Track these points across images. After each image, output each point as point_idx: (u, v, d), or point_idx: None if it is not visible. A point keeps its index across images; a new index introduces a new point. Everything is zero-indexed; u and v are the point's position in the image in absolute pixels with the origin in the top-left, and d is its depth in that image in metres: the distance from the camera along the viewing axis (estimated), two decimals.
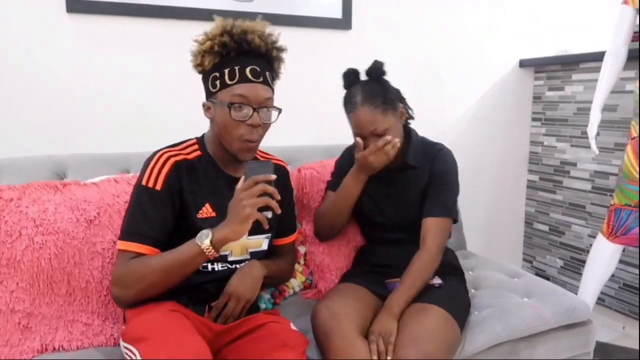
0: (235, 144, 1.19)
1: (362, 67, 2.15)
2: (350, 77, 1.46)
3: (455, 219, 1.49)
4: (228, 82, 1.16)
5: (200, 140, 1.28)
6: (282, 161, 1.42)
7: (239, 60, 1.16)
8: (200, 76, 1.23)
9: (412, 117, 1.53)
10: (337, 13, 2.10)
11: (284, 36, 2.00)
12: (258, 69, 1.17)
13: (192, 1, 1.85)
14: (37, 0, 1.66)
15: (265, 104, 1.18)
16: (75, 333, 1.27)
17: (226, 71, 1.16)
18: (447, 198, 1.47)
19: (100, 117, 1.79)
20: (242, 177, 1.10)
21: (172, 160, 1.20)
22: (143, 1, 1.79)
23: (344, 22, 2.12)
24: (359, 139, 1.41)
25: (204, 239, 1.08)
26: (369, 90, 1.40)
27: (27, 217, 1.28)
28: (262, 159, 1.35)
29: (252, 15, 1.89)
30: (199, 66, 1.19)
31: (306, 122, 2.09)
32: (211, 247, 1.08)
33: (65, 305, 1.28)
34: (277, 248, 1.38)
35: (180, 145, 1.26)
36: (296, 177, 1.69)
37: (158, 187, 1.16)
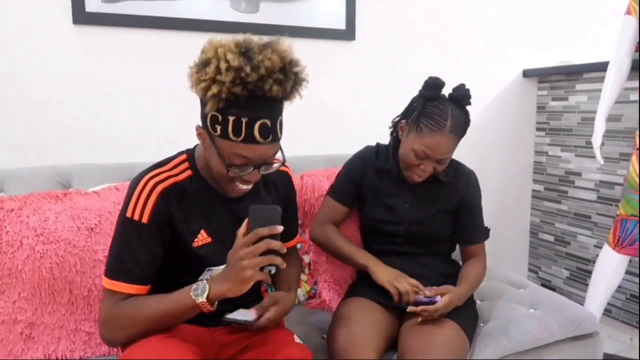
0: (226, 187, 1.10)
1: (365, 78, 2.18)
2: (437, 89, 1.37)
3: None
4: (231, 137, 0.97)
5: (190, 157, 1.15)
6: (285, 167, 1.29)
7: (248, 107, 0.96)
8: None
9: None
10: (340, 24, 2.11)
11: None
12: (269, 123, 0.98)
13: (197, 13, 1.87)
14: (43, 12, 1.68)
15: (268, 161, 1.05)
16: (78, 342, 1.27)
17: (230, 120, 0.96)
18: (482, 222, 1.53)
19: (105, 127, 1.80)
20: (246, 221, 1.00)
21: (160, 188, 1.07)
22: (148, 13, 1.80)
23: (347, 33, 2.13)
24: (413, 157, 1.35)
25: (200, 295, 0.99)
26: (458, 119, 1.33)
27: (28, 226, 1.28)
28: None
29: (257, 28, 1.95)
30: (196, 94, 1.01)
31: (309, 132, 2.10)
32: (207, 303, 0.99)
33: (67, 315, 1.28)
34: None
35: (169, 164, 1.13)
36: (298, 184, 1.68)
37: (145, 220, 1.05)
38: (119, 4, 1.76)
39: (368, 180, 1.51)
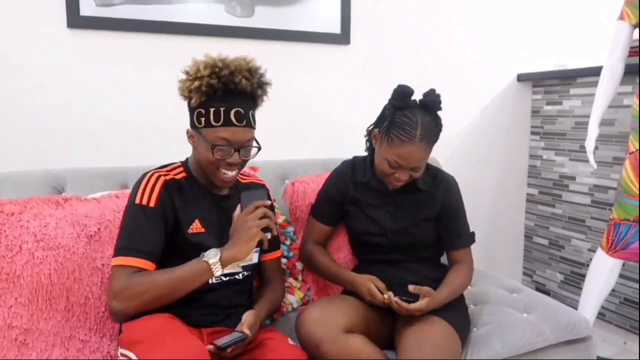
0: (214, 177, 1.26)
1: (360, 82, 2.19)
2: (406, 98, 1.37)
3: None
4: (213, 123, 1.19)
5: (184, 164, 1.34)
6: (261, 181, 1.50)
7: (225, 100, 1.19)
8: None
9: None
10: (335, 28, 2.12)
11: (282, 51, 2.05)
12: (242, 111, 1.21)
13: (192, 17, 1.87)
14: (37, 16, 1.68)
15: (246, 145, 1.24)
16: (72, 350, 1.27)
17: (212, 111, 1.19)
18: (466, 227, 1.54)
19: (99, 131, 1.80)
20: (239, 206, 1.21)
21: (163, 179, 1.25)
22: (143, 17, 1.80)
23: (342, 37, 2.13)
24: (387, 166, 1.37)
25: (212, 257, 1.14)
26: (428, 127, 1.34)
27: (27, 231, 1.28)
28: (242, 180, 1.42)
29: (252, 32, 1.95)
30: (186, 99, 1.22)
31: (304, 136, 2.11)
32: (219, 265, 1.14)
33: (63, 322, 1.28)
34: (265, 265, 1.41)
35: (167, 167, 1.31)
36: (290, 190, 1.70)
37: (152, 204, 1.21)
38: (114, 7, 1.76)
39: (349, 196, 1.53)
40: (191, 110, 1.24)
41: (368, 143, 1.52)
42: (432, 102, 1.37)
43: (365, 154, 1.57)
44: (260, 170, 1.65)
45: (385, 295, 1.33)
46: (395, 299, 1.31)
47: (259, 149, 1.28)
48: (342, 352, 1.20)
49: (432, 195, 1.50)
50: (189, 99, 1.21)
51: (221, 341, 1.12)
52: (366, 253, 1.57)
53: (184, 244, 1.23)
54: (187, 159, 1.35)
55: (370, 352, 1.25)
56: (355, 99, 2.19)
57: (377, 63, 2.22)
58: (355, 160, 1.58)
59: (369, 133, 1.50)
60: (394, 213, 1.49)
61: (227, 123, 1.19)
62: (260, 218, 1.16)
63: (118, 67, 1.81)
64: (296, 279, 1.61)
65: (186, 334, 1.08)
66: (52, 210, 1.33)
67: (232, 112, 1.19)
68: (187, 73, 1.22)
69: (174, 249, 1.23)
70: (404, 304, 1.30)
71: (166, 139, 1.75)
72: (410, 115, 1.34)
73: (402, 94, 1.37)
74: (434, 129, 1.36)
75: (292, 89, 2.08)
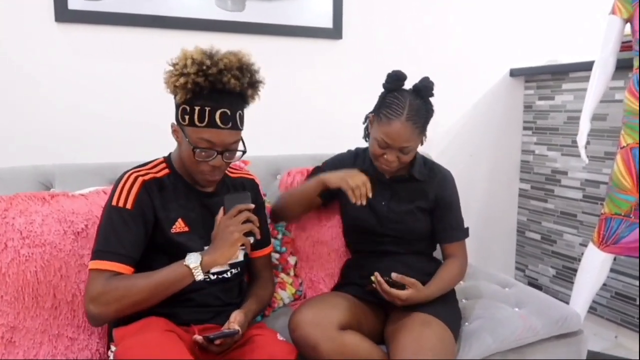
0: (197, 176, 1.23)
1: (352, 77, 2.18)
2: (399, 81, 1.42)
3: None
4: (197, 123, 1.14)
5: (167, 159, 1.30)
6: (251, 175, 1.45)
7: (211, 99, 1.14)
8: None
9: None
10: (328, 23, 2.11)
11: (274, 45, 2.03)
12: (229, 112, 1.15)
13: (183, 11, 1.85)
14: (24, 9, 1.66)
15: (230, 147, 1.19)
16: (60, 348, 1.25)
17: (196, 109, 1.13)
18: (461, 221, 1.54)
19: (88, 127, 1.78)
20: (222, 209, 1.19)
21: (141, 179, 1.21)
22: (134, 11, 1.78)
23: (334, 32, 2.12)
24: (377, 147, 1.40)
25: (193, 262, 1.12)
26: (416, 107, 1.37)
27: (13, 228, 1.26)
28: (231, 174, 1.39)
29: (243, 26, 1.93)
30: (172, 93, 1.18)
31: (295, 131, 2.09)
32: (200, 270, 1.12)
33: (50, 319, 1.27)
34: (255, 262, 1.40)
35: (149, 165, 1.27)
36: (285, 181, 1.70)
37: (129, 206, 1.17)
38: (103, 1, 1.74)
39: None
40: (176, 105, 1.19)
41: (365, 130, 1.53)
42: (424, 87, 1.41)
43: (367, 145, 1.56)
44: (250, 165, 1.63)
45: (372, 278, 1.33)
46: (379, 277, 1.31)
47: (244, 152, 1.23)
48: (339, 350, 1.20)
49: (427, 185, 1.51)
50: (174, 94, 1.17)
51: (211, 335, 1.11)
52: (360, 242, 1.58)
53: (168, 244, 1.21)
54: (169, 154, 1.31)
55: (367, 347, 1.25)
56: (347, 93, 2.17)
57: (369, 58, 2.21)
58: (358, 149, 1.62)
59: (366, 118, 1.52)
60: (389, 200, 1.51)
61: (212, 124, 1.14)
62: (244, 222, 1.15)
63: (107, 62, 1.79)
64: (288, 274, 1.60)
65: (184, 355, 1.04)
66: (38, 206, 1.31)
67: (218, 113, 1.13)
68: (174, 66, 1.16)
69: (158, 249, 1.21)
70: (385, 285, 1.30)
71: (156, 134, 1.72)
72: (399, 96, 1.38)
73: (394, 77, 1.41)
74: (422, 112, 1.39)
75: (283, 83, 2.07)
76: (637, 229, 1.81)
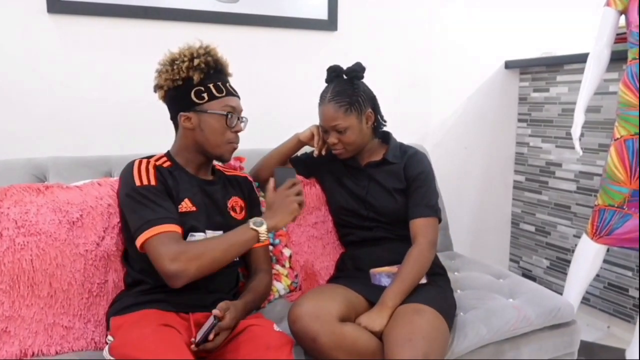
0: (223, 147, 1.33)
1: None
2: (332, 73, 1.54)
3: (440, 219, 1.53)
4: (217, 94, 1.29)
5: (167, 154, 1.38)
6: (244, 174, 1.55)
7: (218, 76, 1.32)
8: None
9: (383, 123, 1.59)
10: (322, 14, 2.10)
11: (269, 37, 2.02)
12: (230, 84, 1.35)
13: (176, 2, 1.84)
14: (16, 1, 1.64)
15: (241, 115, 1.36)
16: (55, 337, 1.25)
17: (211, 85, 1.29)
18: (429, 199, 1.52)
19: (80, 119, 1.78)
20: (271, 180, 1.29)
21: (153, 163, 1.30)
22: (126, 2, 1.77)
23: (329, 24, 2.12)
24: (323, 133, 1.55)
25: (260, 226, 1.20)
26: (339, 89, 1.49)
27: (8, 218, 1.26)
28: (226, 172, 1.47)
29: (237, 18, 1.92)
30: (181, 81, 1.28)
31: (290, 124, 2.08)
32: (266, 233, 1.21)
33: (46, 308, 1.27)
34: (253, 253, 1.41)
35: (151, 158, 1.33)
36: None
37: (153, 182, 1.24)
38: None
39: (325, 165, 1.67)
40: (186, 91, 1.28)
41: None
42: (350, 70, 1.52)
43: None
44: (246, 161, 1.64)
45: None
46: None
47: (247, 121, 1.38)
48: (339, 342, 1.20)
49: (399, 166, 1.57)
50: (186, 79, 1.27)
51: (197, 337, 1.12)
52: (350, 228, 1.62)
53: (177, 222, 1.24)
54: (168, 151, 1.38)
55: (366, 339, 1.26)
56: None
57: (364, 50, 2.20)
58: None
59: None
60: (368, 184, 1.58)
61: (229, 93, 1.32)
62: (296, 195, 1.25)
63: (100, 54, 1.78)
64: (283, 266, 1.60)
65: (180, 349, 1.05)
66: (32, 197, 1.31)
67: (228, 84, 1.34)
68: (173, 63, 1.27)
69: None
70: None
71: (150, 127, 1.73)
72: (329, 86, 1.53)
73: (329, 70, 1.55)
74: (347, 92, 1.48)
75: (277, 75, 2.07)
76: (630, 220, 1.82)
